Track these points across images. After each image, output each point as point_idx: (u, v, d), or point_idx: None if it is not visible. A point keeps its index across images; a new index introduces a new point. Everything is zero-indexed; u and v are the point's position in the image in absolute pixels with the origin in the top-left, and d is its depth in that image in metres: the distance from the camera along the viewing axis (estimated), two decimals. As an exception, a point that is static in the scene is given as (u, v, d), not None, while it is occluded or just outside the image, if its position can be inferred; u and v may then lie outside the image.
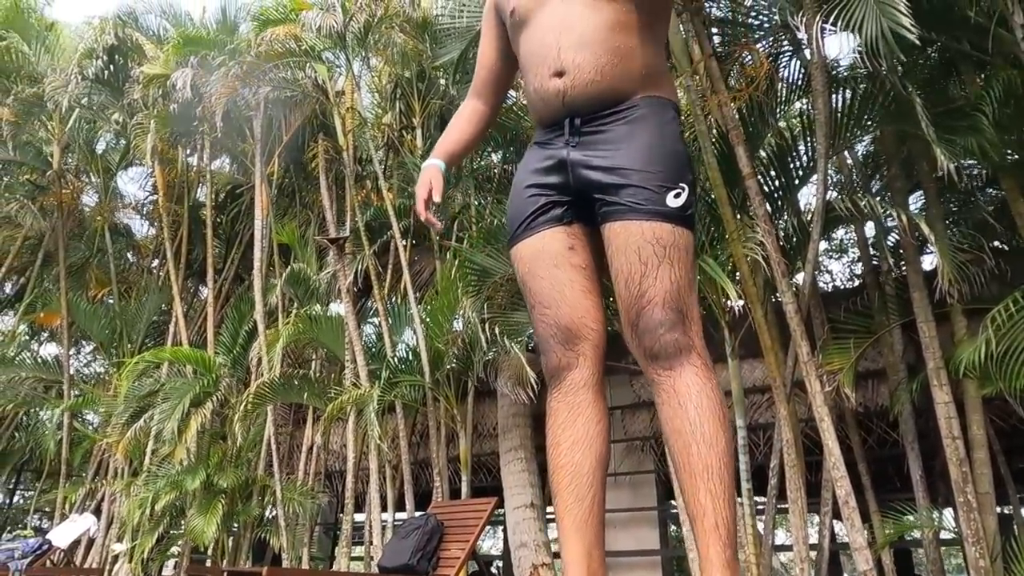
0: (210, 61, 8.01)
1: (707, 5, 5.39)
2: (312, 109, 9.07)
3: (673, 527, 9.16)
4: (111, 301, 11.75)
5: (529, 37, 1.63)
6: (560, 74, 1.54)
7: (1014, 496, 5.39)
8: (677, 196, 1.46)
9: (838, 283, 10.40)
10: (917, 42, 3.37)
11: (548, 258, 1.56)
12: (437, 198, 1.75)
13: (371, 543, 7.27)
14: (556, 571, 6.57)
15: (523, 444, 7.20)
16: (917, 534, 5.39)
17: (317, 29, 6.32)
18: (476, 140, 1.93)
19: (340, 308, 10.39)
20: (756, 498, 5.52)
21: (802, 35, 4.04)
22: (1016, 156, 4.70)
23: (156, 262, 13.43)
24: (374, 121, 9.97)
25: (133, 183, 19.48)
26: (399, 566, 5.13)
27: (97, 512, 10.52)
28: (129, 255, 13.55)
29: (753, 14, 5.47)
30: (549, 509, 7.32)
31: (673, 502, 7.51)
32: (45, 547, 7.84)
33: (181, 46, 8.40)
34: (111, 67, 8.78)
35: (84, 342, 13.53)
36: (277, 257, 9.48)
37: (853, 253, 9.65)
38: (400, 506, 8.12)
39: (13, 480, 12.29)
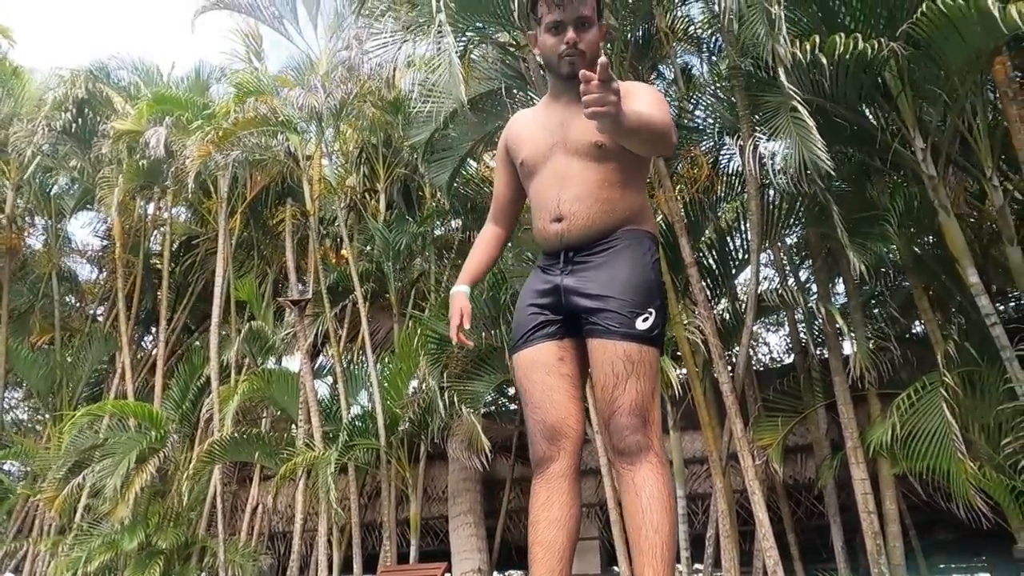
0: (183, 121, 8.26)
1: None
2: (279, 171, 9.36)
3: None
4: (52, 348, 11.42)
5: (536, 184, 1.96)
6: (559, 220, 1.87)
7: (924, 567, 5.85)
8: (645, 320, 1.75)
9: (775, 355, 11.08)
10: (832, 171, 3.94)
11: (541, 367, 1.86)
12: (467, 325, 2.05)
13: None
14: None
15: (472, 508, 7.35)
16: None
17: (300, 107, 6.68)
18: (496, 259, 2.25)
19: (294, 364, 10.46)
20: (695, 565, 5.82)
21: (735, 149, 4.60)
22: (919, 259, 5.35)
23: (99, 308, 13.18)
24: (337, 182, 10.28)
25: (82, 228, 18.95)
26: (348, 631, 5.20)
27: (17, 572, 10.02)
28: (69, 298, 13.23)
29: (698, 119, 6.12)
30: (496, 574, 7.43)
31: (616, 568, 7.71)
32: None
33: (154, 104, 8.62)
34: (79, 120, 8.89)
35: (14, 388, 13.01)
36: (233, 311, 9.53)
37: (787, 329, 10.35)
38: (346, 568, 8.07)
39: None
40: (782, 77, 4.09)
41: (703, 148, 6.32)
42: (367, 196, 9.80)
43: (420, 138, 6.78)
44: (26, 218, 12.37)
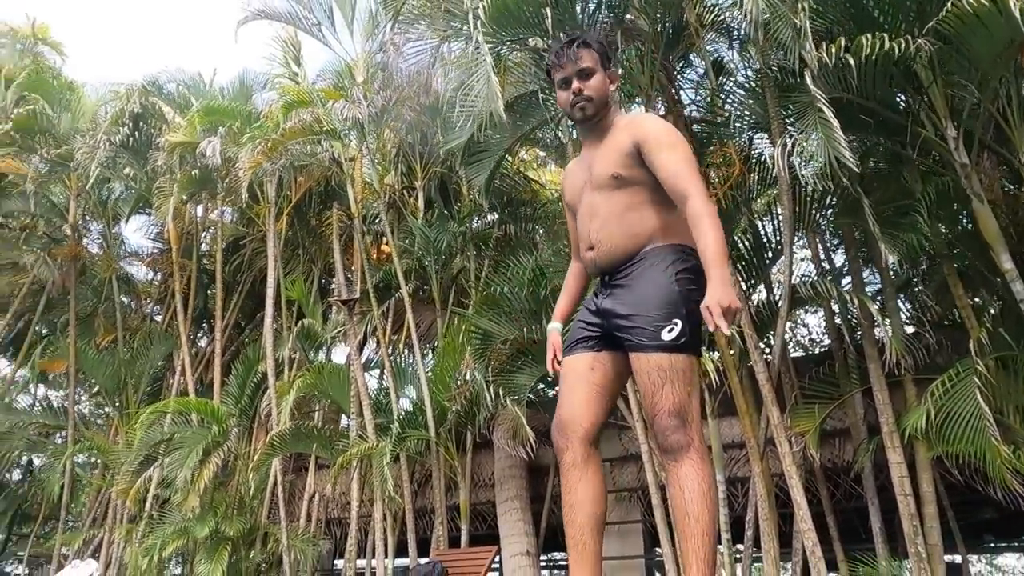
0: (233, 131, 8.68)
1: (688, 108, 6.16)
2: (322, 175, 9.75)
3: (658, 574, 9.58)
4: (115, 348, 12.07)
5: (577, 221, 2.27)
6: (591, 248, 2.15)
7: (962, 546, 5.97)
8: (671, 331, 1.94)
9: (814, 336, 11.10)
10: (857, 168, 4.08)
11: (573, 373, 2.16)
12: (560, 358, 2.30)
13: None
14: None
15: (519, 495, 7.69)
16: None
17: (345, 118, 7.01)
18: (583, 289, 2.49)
19: (339, 358, 10.92)
20: (736, 546, 6.05)
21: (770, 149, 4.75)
22: (953, 245, 5.43)
23: (153, 307, 13.84)
24: (377, 182, 10.63)
25: (136, 232, 19.82)
26: (409, 610, 5.58)
27: (94, 557, 10.73)
28: (124, 299, 13.91)
29: (728, 116, 6.25)
30: (543, 557, 7.75)
31: (658, 550, 7.97)
32: (49, 593, 8.11)
33: (204, 116, 9.07)
34: (136, 134, 9.39)
35: (82, 388, 13.78)
36: (284, 308, 9.99)
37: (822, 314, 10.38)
38: (399, 551, 8.50)
39: (7, 525, 12.39)
40: (808, 81, 4.23)
41: (735, 141, 6.43)
42: (405, 194, 10.13)
43: (458, 142, 7.05)
44: (85, 225, 13.05)
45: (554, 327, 2.38)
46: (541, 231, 10.09)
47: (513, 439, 6.78)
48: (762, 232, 6.25)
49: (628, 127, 2.16)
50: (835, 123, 4.08)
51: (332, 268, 11.39)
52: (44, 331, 13.56)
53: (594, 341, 2.15)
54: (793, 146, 4.60)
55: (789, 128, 5.28)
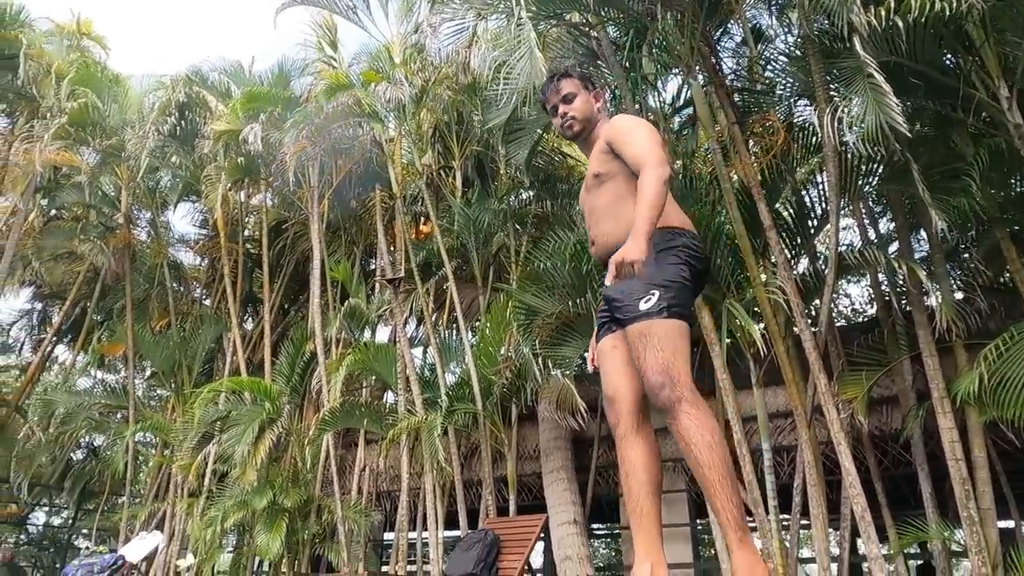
0: (275, 117, 8.88)
1: (728, 78, 6.11)
2: (361, 157, 9.92)
3: (706, 540, 9.71)
4: (168, 331, 12.54)
5: (586, 222, 2.51)
6: (592, 243, 2.42)
7: (1015, 511, 5.94)
8: (647, 301, 2.12)
9: (857, 306, 10.98)
10: (908, 134, 4.05)
11: (603, 355, 2.39)
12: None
13: (426, 558, 7.92)
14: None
15: (564, 465, 7.85)
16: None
17: (387, 100, 7.13)
18: None
19: (382, 336, 11.19)
20: (782, 515, 6.11)
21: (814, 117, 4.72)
22: (1004, 208, 5.33)
23: (200, 291, 14.31)
24: (417, 161, 10.76)
25: (182, 219, 20.41)
26: (464, 575, 5.81)
27: (158, 529, 11.27)
28: (175, 284, 14.40)
29: (768, 84, 6.18)
30: (592, 525, 7.91)
31: (701, 520, 8.10)
32: (120, 562, 8.57)
33: (246, 102, 9.29)
34: (182, 123, 9.67)
35: (136, 370, 14.36)
36: (329, 289, 10.27)
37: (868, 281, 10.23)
38: (449, 523, 8.78)
39: (75, 501, 13.07)
40: (857, 46, 4.19)
41: (776, 110, 6.38)
42: (442, 173, 10.26)
43: (498, 120, 7.12)
44: (135, 213, 13.50)
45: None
46: (578, 207, 10.13)
47: (560, 410, 6.91)
48: (806, 201, 6.22)
49: (604, 130, 2.41)
50: (887, 88, 4.04)
51: (373, 249, 11.64)
52: (97, 317, 14.13)
53: (608, 325, 2.37)
54: (836, 113, 4.55)
55: (833, 94, 5.23)
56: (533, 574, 7.17)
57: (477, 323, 9.07)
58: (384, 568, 11.76)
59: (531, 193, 10.19)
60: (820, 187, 6.04)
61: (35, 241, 13.44)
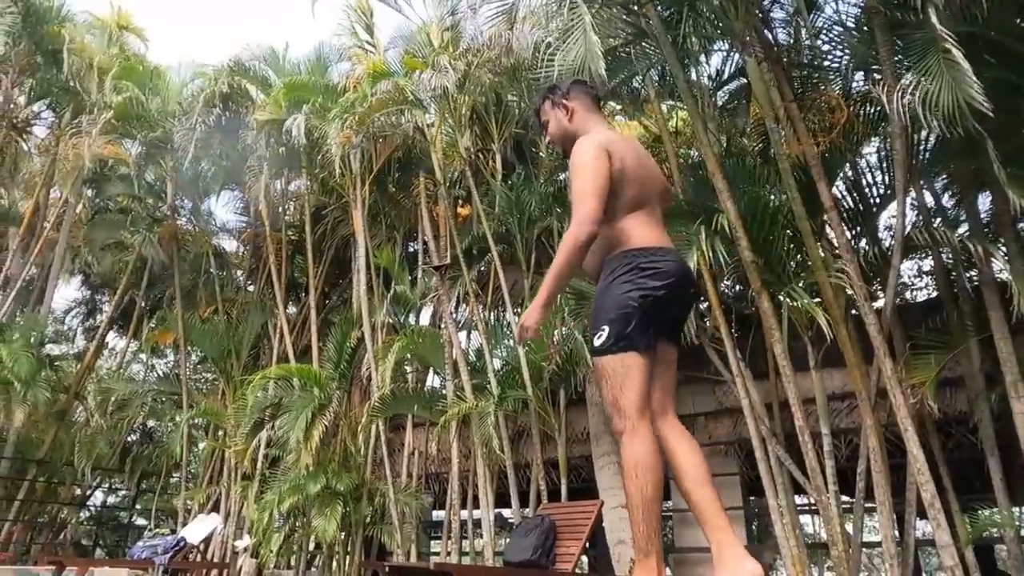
0: (316, 106, 8.89)
1: (785, 54, 5.90)
2: (402, 142, 9.90)
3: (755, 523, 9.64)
4: (216, 318, 12.79)
5: None
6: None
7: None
8: (599, 337, 2.24)
9: (915, 287, 10.63)
10: (991, 113, 3.85)
11: None
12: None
13: (479, 537, 8.03)
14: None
15: (615, 449, 7.84)
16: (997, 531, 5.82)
17: (432, 88, 7.07)
18: None
19: (426, 320, 11.25)
20: (843, 498, 6.03)
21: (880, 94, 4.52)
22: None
23: (242, 277, 14.57)
24: (452, 146, 10.71)
25: (223, 208, 20.73)
26: (524, 561, 5.85)
27: (215, 511, 11.63)
28: (219, 272, 14.65)
29: (830, 59, 5.96)
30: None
31: (752, 498, 8.03)
32: (182, 544, 8.87)
33: (287, 92, 9.32)
34: (226, 113, 9.75)
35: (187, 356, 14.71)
36: (373, 274, 10.34)
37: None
38: (498, 504, 8.86)
39: (135, 484, 13.55)
40: (933, 17, 3.99)
41: (831, 88, 6.15)
42: (480, 156, 10.18)
43: (544, 103, 7.00)
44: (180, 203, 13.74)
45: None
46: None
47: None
48: (866, 180, 6.02)
49: (571, 157, 2.44)
50: (965, 66, 3.85)
51: (412, 233, 11.67)
52: (145, 305, 14.49)
53: None
54: (907, 90, 4.35)
55: (899, 67, 5.01)
56: (590, 557, 7.22)
57: (521, 308, 9.06)
58: (434, 547, 11.99)
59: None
60: (886, 170, 5.82)
61: (85, 232, 13.81)
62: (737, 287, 9.24)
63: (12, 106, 13.13)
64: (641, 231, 2.33)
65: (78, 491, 13.72)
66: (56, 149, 12.10)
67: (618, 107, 11.75)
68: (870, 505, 6.02)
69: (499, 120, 9.55)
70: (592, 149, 2.31)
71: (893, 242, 5.48)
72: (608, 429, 7.97)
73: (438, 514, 11.90)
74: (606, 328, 2.21)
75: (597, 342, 2.23)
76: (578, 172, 2.29)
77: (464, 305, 10.16)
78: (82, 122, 10.79)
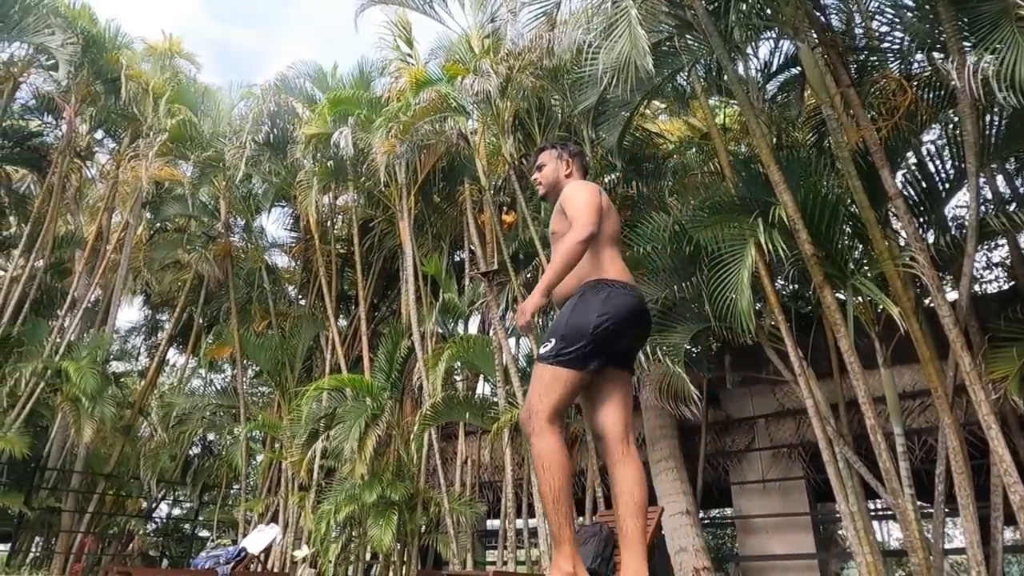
0: (361, 118, 9.00)
1: (841, 38, 5.67)
2: (446, 151, 9.93)
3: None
4: (270, 332, 13.05)
5: None
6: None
7: None
8: (544, 346, 2.46)
9: (982, 279, 10.09)
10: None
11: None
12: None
13: (534, 546, 7.91)
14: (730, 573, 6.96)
15: (673, 454, 7.64)
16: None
17: (474, 93, 7.06)
18: None
19: (473, 328, 11.23)
20: (918, 503, 5.69)
21: (951, 72, 4.27)
22: None
23: (293, 291, 14.84)
24: (495, 152, 10.68)
25: (273, 224, 21.21)
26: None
27: (273, 521, 11.81)
28: (271, 287, 14.96)
29: (888, 40, 5.69)
30: (704, 513, 7.65)
31: (822, 504, 7.69)
32: (243, 554, 9.00)
33: (332, 106, 9.46)
34: (274, 131, 9.96)
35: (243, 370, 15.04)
36: (421, 284, 10.38)
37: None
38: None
39: (197, 496, 13.90)
40: (1008, -14, 3.74)
41: (890, 68, 5.87)
42: (523, 161, 10.12)
43: (588, 103, 6.91)
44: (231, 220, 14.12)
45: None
46: (669, 184, 9.80)
47: (670, 398, 6.68)
48: (931, 167, 5.71)
49: (562, 195, 2.72)
50: (1046, 32, 3.60)
51: (457, 241, 11.69)
52: (201, 322, 14.90)
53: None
54: (979, 65, 4.10)
55: (966, 44, 4.74)
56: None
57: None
58: (489, 556, 11.91)
59: (616, 175, 9.93)
60: (956, 154, 5.49)
61: (144, 253, 14.31)
62: (792, 286, 8.92)
63: (75, 135, 13.74)
64: (617, 264, 2.63)
65: (144, 504, 14.17)
66: (116, 173, 12.59)
67: (662, 106, 11.60)
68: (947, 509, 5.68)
69: (542, 125, 9.49)
70: (586, 185, 2.71)
71: (965, 229, 5.16)
72: (663, 434, 7.78)
73: (492, 523, 11.83)
74: (553, 340, 2.44)
75: (542, 349, 2.46)
76: (577, 194, 2.62)
77: (513, 311, 10.08)
78: (139, 146, 11.18)
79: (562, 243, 2.49)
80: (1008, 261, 6.75)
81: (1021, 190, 6.16)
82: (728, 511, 14.10)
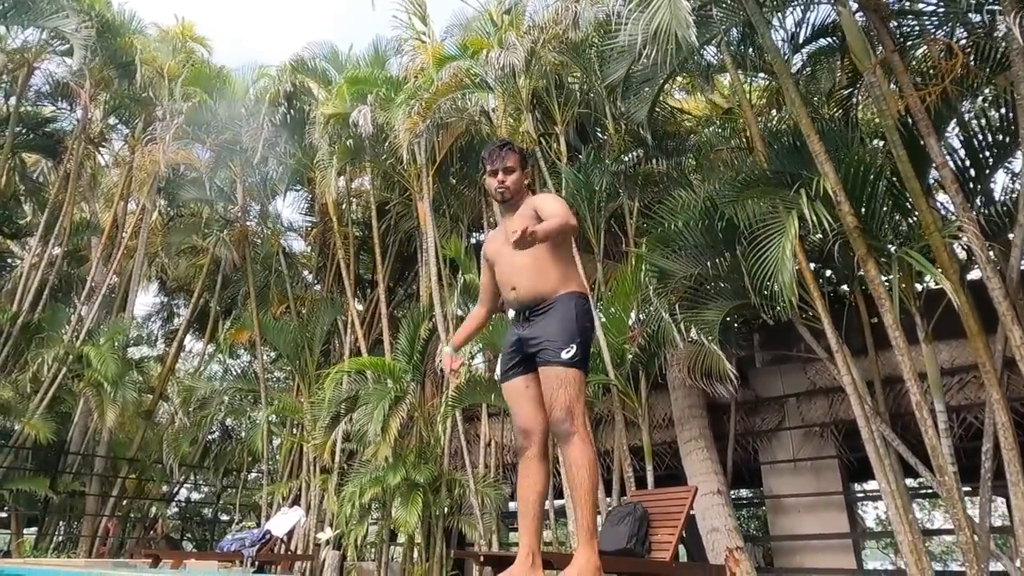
0: (379, 97, 8.84)
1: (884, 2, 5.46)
2: (464, 130, 9.77)
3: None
4: (288, 315, 13.00)
5: (499, 271, 3.05)
6: (514, 288, 2.90)
7: None
8: (568, 352, 2.69)
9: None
10: None
11: (517, 392, 2.90)
12: (459, 371, 3.19)
13: (562, 527, 7.84)
14: (748, 554, 6.88)
15: (703, 434, 7.53)
16: None
17: (500, 67, 6.89)
18: (481, 329, 3.41)
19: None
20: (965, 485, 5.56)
21: (1001, 27, 4.08)
22: None
23: (309, 276, 14.78)
24: (532, 128, 10.46)
25: (288, 208, 21.16)
26: (619, 550, 5.63)
27: (296, 504, 11.84)
28: (288, 271, 14.89)
29: (934, 3, 5.48)
30: (732, 493, 7.53)
31: (857, 485, 7.58)
32: (268, 536, 9.00)
33: (349, 86, 9.31)
34: (291, 112, 9.83)
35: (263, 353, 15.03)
36: (441, 265, 10.27)
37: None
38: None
39: (220, 479, 13.98)
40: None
41: (935, 34, 5.66)
42: (542, 140, 9.95)
43: (616, 75, 6.74)
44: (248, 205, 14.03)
45: (448, 352, 3.29)
46: (693, 161, 9.61)
47: (704, 377, 6.56)
48: (977, 135, 5.52)
49: (528, 202, 2.97)
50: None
51: (478, 223, 11.55)
52: (218, 307, 14.87)
53: (521, 366, 2.88)
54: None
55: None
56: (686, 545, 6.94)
57: (594, 291, 8.80)
58: (513, 537, 11.89)
59: (638, 153, 9.75)
60: (1007, 110, 5.27)
61: (161, 239, 14.27)
62: (820, 268, 8.74)
63: (89, 120, 13.66)
64: (583, 283, 2.97)
65: (166, 488, 14.25)
66: (132, 159, 12.51)
67: (682, 81, 11.37)
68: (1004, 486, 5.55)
69: (561, 103, 9.31)
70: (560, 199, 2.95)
71: (1017, 197, 4.98)
72: (692, 414, 7.68)
73: (515, 505, 11.81)
74: (575, 347, 2.71)
75: (567, 355, 2.69)
76: (557, 200, 2.88)
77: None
78: (155, 130, 11.08)
79: (559, 217, 2.69)
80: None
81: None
82: (743, 491, 14.04)
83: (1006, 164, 5.32)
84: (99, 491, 11.68)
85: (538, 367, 2.78)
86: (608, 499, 7.75)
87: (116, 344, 11.71)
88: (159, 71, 12.10)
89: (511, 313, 3.03)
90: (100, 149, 14.56)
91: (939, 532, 11.69)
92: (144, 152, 11.58)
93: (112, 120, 14.50)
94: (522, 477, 2.82)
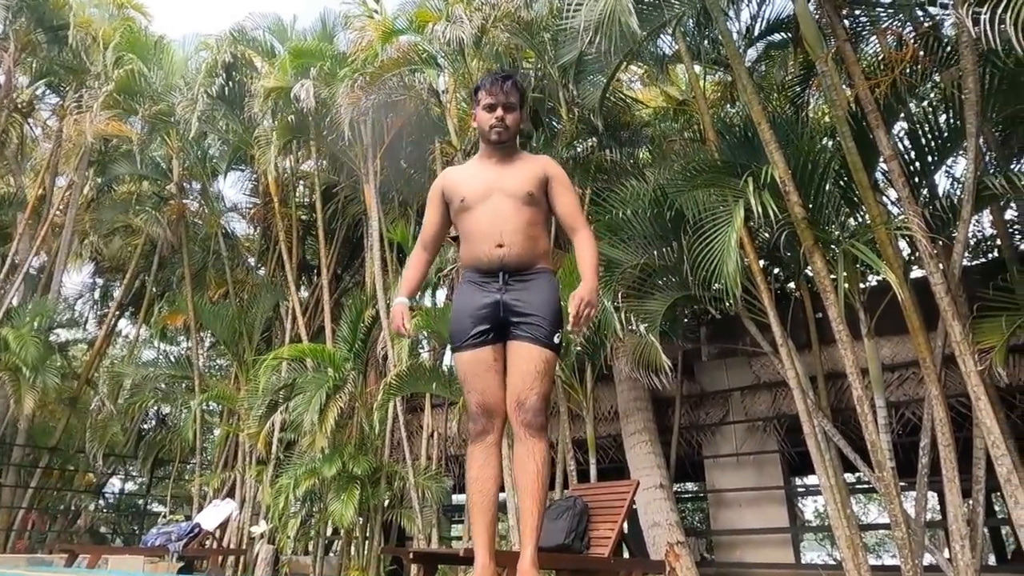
0: (324, 72, 8.43)
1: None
2: (415, 110, 9.41)
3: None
4: (227, 300, 12.45)
5: (476, 218, 2.59)
6: (501, 246, 2.51)
7: None
8: (558, 338, 2.48)
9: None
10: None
11: (482, 364, 2.49)
12: (408, 326, 2.69)
13: (503, 521, 7.65)
14: (691, 548, 6.80)
15: (647, 427, 7.43)
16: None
17: (447, 42, 6.59)
18: (425, 276, 3.02)
19: (441, 298, 10.85)
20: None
21: (948, 16, 4.01)
22: None
23: (252, 260, 14.19)
24: (464, 112, 10.20)
25: (231, 188, 20.37)
26: (556, 546, 5.45)
27: (230, 496, 11.36)
28: (228, 253, 14.28)
29: (886, -6, 5.42)
30: (677, 487, 7.47)
31: (798, 479, 7.59)
32: (196, 530, 8.56)
33: (294, 59, 8.86)
34: (229, 84, 9.32)
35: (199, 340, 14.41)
36: (386, 251, 9.92)
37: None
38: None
39: (149, 470, 13.34)
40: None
41: (889, 23, 5.61)
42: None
43: (569, 57, 6.52)
44: (185, 184, 13.36)
45: (403, 301, 2.76)
46: (647, 154, 9.49)
47: (644, 369, 6.42)
48: (923, 129, 5.49)
49: (540, 162, 2.69)
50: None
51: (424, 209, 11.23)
52: (155, 290, 14.18)
53: (491, 334, 2.50)
54: (997, 11, 3.83)
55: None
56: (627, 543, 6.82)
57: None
58: (455, 531, 11.68)
59: (591, 142, 9.58)
60: (951, 107, 5.25)
61: (91, 215, 13.48)
62: (767, 263, 8.73)
63: (14, 87, 12.77)
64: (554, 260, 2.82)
65: (93, 478, 13.54)
66: (60, 128, 11.76)
67: (638, 71, 11.24)
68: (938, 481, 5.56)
69: (515, 86, 9.05)
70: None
71: (961, 194, 4.96)
72: (637, 407, 7.57)
73: (458, 498, 11.57)
74: (559, 332, 2.49)
75: (556, 339, 2.47)
76: (572, 191, 2.70)
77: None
78: (84, 98, 10.40)
79: (590, 241, 2.60)
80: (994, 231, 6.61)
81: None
82: (689, 485, 14.14)
83: (950, 161, 5.29)
84: (16, 482, 10.99)
85: (516, 341, 2.44)
86: (550, 493, 7.59)
87: (38, 326, 11.01)
88: (92, 36, 11.39)
89: (474, 273, 2.60)
90: (28, 120, 13.67)
91: (875, 527, 11.97)
92: (72, 122, 10.86)
93: (42, 90, 13.64)
94: (479, 466, 2.44)
